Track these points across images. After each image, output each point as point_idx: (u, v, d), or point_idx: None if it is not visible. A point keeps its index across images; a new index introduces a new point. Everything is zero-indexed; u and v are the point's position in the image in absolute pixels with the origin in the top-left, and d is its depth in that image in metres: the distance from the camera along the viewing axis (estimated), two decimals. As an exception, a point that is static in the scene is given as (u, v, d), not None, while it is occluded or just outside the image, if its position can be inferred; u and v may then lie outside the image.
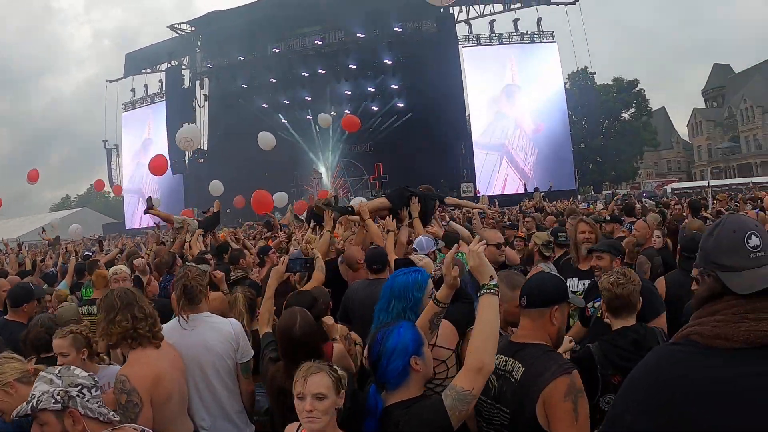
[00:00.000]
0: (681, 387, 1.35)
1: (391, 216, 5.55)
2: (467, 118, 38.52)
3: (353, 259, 5.00)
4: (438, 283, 2.87)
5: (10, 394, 2.67)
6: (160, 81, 47.79)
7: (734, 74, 73.23)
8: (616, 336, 3.13)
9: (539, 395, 2.26)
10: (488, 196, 18.43)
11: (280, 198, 18.35)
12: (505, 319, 2.85)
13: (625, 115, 53.19)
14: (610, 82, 53.68)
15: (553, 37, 39.30)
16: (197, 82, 47.16)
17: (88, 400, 2.19)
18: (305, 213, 11.76)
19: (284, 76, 42.21)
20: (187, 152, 39.05)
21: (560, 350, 2.61)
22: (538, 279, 2.67)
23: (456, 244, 3.66)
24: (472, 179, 36.83)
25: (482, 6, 39.77)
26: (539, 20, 39.12)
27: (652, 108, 56.13)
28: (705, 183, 27.99)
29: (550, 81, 38.32)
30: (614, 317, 3.23)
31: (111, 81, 48.97)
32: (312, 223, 8.09)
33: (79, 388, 2.19)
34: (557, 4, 39.00)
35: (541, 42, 39.08)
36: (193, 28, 46.99)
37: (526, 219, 10.29)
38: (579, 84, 48.80)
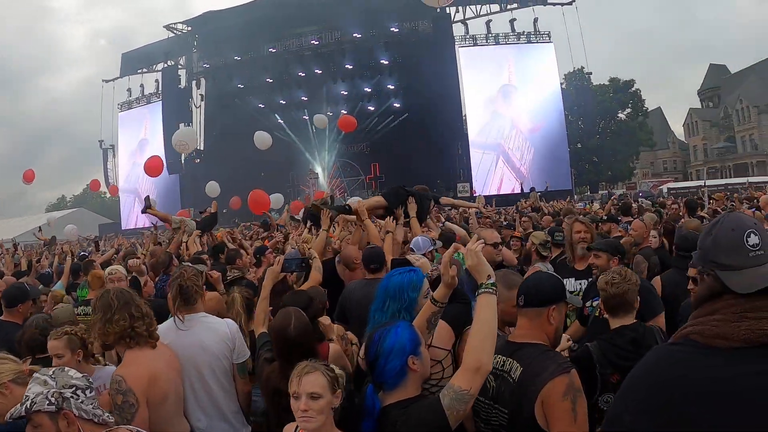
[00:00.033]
0: (680, 387, 1.35)
1: (391, 217, 5.54)
2: (464, 118, 38.56)
3: (350, 259, 4.99)
4: (435, 282, 2.86)
5: (5, 395, 2.65)
6: (157, 81, 47.64)
7: (730, 74, 73.37)
8: (615, 335, 3.12)
9: (538, 395, 2.25)
10: (485, 196, 18.45)
11: (276, 200, 18.36)
12: (502, 319, 2.83)
13: (622, 116, 53.33)
14: (607, 83, 53.78)
15: (550, 37, 39.40)
16: (193, 82, 47.12)
17: (82, 402, 2.18)
18: (301, 213, 11.76)
19: (280, 76, 42.24)
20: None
21: (558, 349, 2.61)
22: (535, 278, 2.66)
23: (454, 244, 3.65)
24: (469, 179, 36.86)
25: (479, 6, 39.90)
26: (536, 20, 39.28)
27: (648, 108, 56.37)
28: (701, 183, 28.01)
29: (546, 81, 38.40)
30: (612, 316, 3.23)
31: (107, 81, 48.90)
32: (308, 223, 8.07)
33: (74, 389, 2.18)
34: (553, 4, 39.07)
35: (537, 42, 39.17)
36: (189, 28, 46.96)
37: (523, 219, 10.29)
38: (575, 84, 48.83)
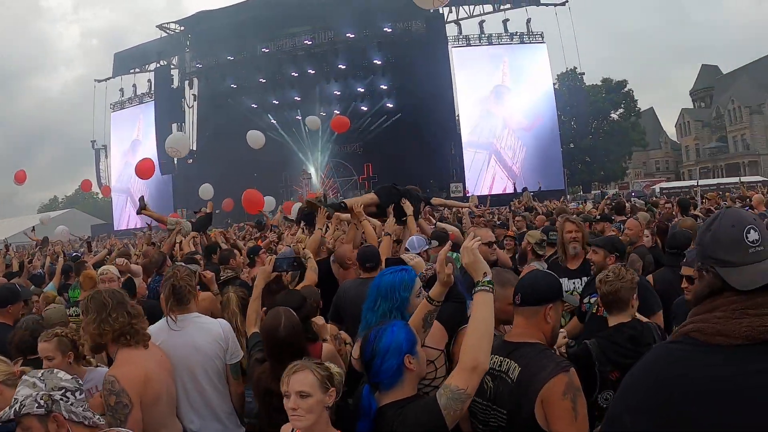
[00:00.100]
0: (680, 386, 1.33)
1: (393, 217, 5.51)
2: (457, 118, 38.72)
3: (344, 258, 4.96)
4: (431, 282, 2.84)
5: (-5, 396, 2.62)
6: (149, 81, 47.66)
7: (722, 75, 73.86)
8: (613, 332, 3.12)
9: (538, 394, 2.24)
10: (479, 196, 18.47)
11: (268, 203, 18.32)
12: (497, 317, 2.82)
13: (614, 116, 53.66)
14: (599, 83, 54.14)
15: (543, 37, 39.61)
16: (186, 82, 47.07)
17: (72, 404, 2.15)
18: (294, 211, 11.72)
19: (273, 76, 42.22)
20: (175, 157, 38.95)
21: (554, 345, 2.60)
22: (532, 277, 2.65)
23: (449, 242, 3.64)
24: (462, 179, 37.01)
25: (472, 6, 40.03)
26: (529, 21, 39.50)
27: (640, 108, 56.77)
28: (693, 182, 28.17)
29: (539, 81, 38.60)
30: (608, 313, 3.24)
31: (99, 81, 48.90)
32: (302, 223, 8.04)
33: (63, 391, 2.15)
34: (546, 5, 39.28)
35: (530, 42, 39.37)
36: (182, 28, 46.90)
37: (517, 218, 10.31)
38: (568, 84, 49.10)
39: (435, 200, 9.65)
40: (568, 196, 35.34)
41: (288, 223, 12.16)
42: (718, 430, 1.26)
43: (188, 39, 46.73)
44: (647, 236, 6.56)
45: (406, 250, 4.71)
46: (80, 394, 2.21)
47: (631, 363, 1.51)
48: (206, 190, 16.89)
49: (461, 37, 39.64)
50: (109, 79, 48.75)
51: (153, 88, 46.93)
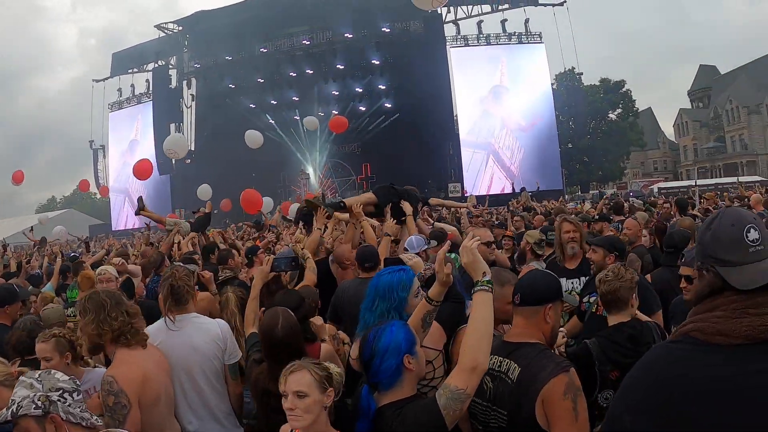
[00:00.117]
0: (680, 386, 1.33)
1: (393, 219, 5.51)
2: (455, 118, 38.66)
3: (343, 258, 4.96)
4: (430, 281, 2.84)
5: (-7, 397, 2.60)
6: (147, 81, 47.43)
7: (720, 75, 73.91)
8: (613, 332, 3.12)
9: (538, 395, 2.23)
10: (478, 196, 18.47)
11: (267, 203, 18.31)
12: (496, 317, 2.82)
13: (612, 116, 53.64)
14: (597, 83, 54.09)
15: (541, 37, 39.54)
16: (184, 82, 46.90)
17: (69, 405, 2.14)
18: (293, 212, 11.72)
19: (272, 76, 42.13)
20: (173, 157, 38.92)
21: (554, 345, 2.60)
22: (531, 277, 2.65)
23: (448, 241, 3.63)
24: (460, 179, 36.95)
25: (470, 6, 39.97)
26: (527, 21, 39.42)
27: (638, 108, 56.74)
28: (691, 182, 28.17)
29: (537, 81, 38.54)
30: (608, 313, 3.25)
31: (97, 81, 48.65)
32: (301, 224, 8.03)
33: (61, 392, 2.14)
34: (545, 5, 39.23)
35: (528, 43, 39.30)
36: (180, 28, 46.78)
37: (515, 218, 10.31)
38: (566, 84, 49.11)
39: (433, 200, 9.66)
40: (567, 196, 35.29)
41: (286, 223, 12.15)
42: (718, 430, 1.26)
43: (186, 39, 46.60)
44: (645, 236, 6.57)
45: (405, 249, 4.70)
46: (78, 395, 2.20)
47: (631, 362, 1.51)
48: (204, 191, 16.87)
49: (459, 37, 39.60)
50: (107, 79, 48.59)
51: (151, 88, 46.74)
